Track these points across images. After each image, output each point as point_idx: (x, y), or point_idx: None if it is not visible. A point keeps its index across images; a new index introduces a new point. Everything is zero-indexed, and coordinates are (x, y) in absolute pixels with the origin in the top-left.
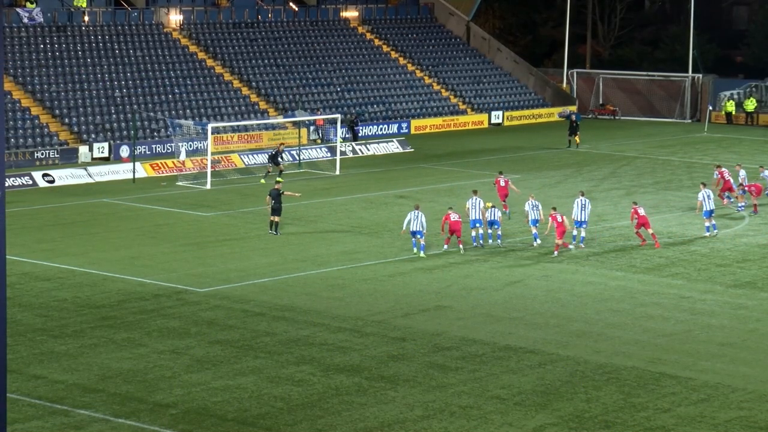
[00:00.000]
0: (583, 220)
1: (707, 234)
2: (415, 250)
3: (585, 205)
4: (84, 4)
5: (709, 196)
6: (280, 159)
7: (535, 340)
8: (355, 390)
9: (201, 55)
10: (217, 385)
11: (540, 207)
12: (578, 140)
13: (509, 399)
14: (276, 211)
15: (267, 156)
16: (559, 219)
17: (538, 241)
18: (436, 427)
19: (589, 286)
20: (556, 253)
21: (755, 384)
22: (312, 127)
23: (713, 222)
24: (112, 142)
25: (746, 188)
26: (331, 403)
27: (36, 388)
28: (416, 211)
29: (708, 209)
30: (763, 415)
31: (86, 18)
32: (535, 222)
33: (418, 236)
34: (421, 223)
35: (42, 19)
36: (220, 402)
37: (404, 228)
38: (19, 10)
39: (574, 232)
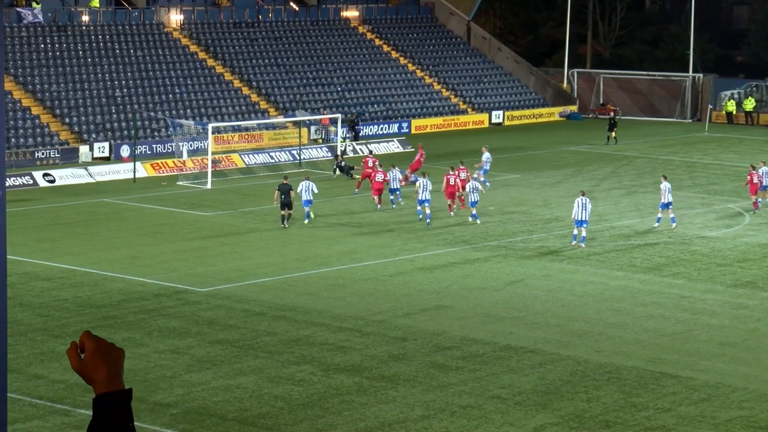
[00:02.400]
0: (583, 219)
1: (656, 225)
2: (307, 221)
3: (585, 204)
4: (97, 4)
5: (668, 189)
6: (341, 167)
7: (535, 339)
8: (355, 390)
9: (201, 55)
10: (218, 384)
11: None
12: (614, 136)
13: (510, 399)
14: (287, 205)
15: (336, 168)
16: (452, 181)
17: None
18: (436, 426)
19: (590, 285)
20: (451, 213)
21: (756, 383)
22: (315, 127)
23: (672, 215)
24: (112, 141)
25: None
26: (331, 402)
27: (37, 387)
28: (307, 182)
29: (665, 201)
30: (764, 414)
31: (87, 18)
32: (474, 204)
33: (308, 206)
34: (312, 191)
35: (42, 19)
36: (220, 402)
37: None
38: (20, 9)
39: (575, 231)
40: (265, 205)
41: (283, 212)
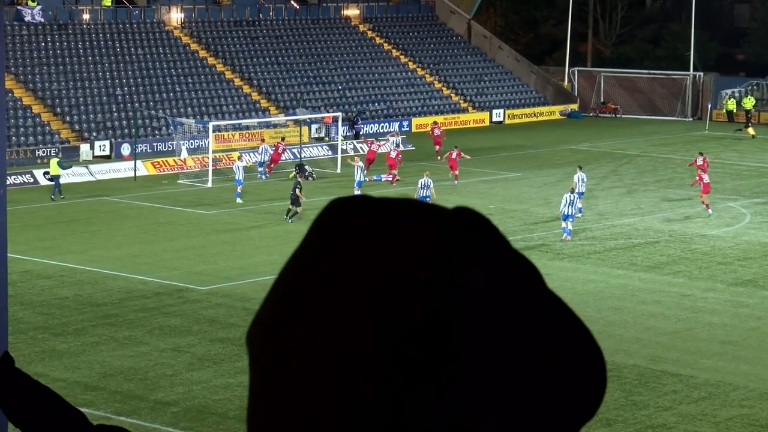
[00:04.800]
0: (569, 213)
1: (579, 215)
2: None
3: (573, 201)
4: (109, 3)
5: (583, 180)
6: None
7: None
8: None
9: (202, 54)
10: (219, 383)
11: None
12: (752, 132)
13: None
14: (294, 201)
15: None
16: (375, 148)
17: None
18: None
19: (591, 284)
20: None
21: (756, 382)
22: (317, 125)
23: (580, 205)
24: (113, 140)
25: None
26: None
27: None
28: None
29: (579, 191)
30: (765, 413)
31: (87, 16)
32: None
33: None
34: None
35: (43, 18)
36: (221, 400)
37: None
38: (20, 7)
39: (563, 225)
40: (265, 204)
41: (290, 207)
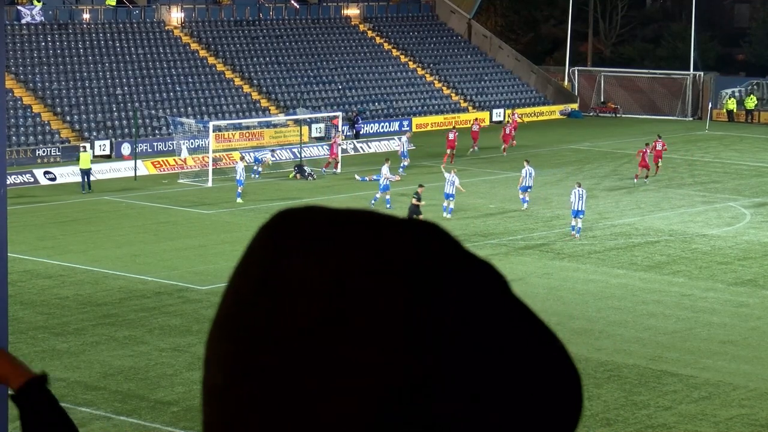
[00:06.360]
0: (580, 209)
1: (524, 207)
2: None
3: (582, 195)
4: (113, 3)
5: (530, 174)
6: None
7: None
8: None
9: (202, 53)
10: None
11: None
12: None
13: None
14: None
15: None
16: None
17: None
18: None
19: (591, 283)
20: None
21: (757, 382)
22: (320, 125)
23: (527, 198)
24: (113, 139)
25: None
26: None
27: None
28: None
29: (524, 185)
30: (765, 412)
31: (87, 16)
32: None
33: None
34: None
35: (43, 18)
36: None
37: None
38: (20, 7)
39: (572, 223)
40: (265, 204)
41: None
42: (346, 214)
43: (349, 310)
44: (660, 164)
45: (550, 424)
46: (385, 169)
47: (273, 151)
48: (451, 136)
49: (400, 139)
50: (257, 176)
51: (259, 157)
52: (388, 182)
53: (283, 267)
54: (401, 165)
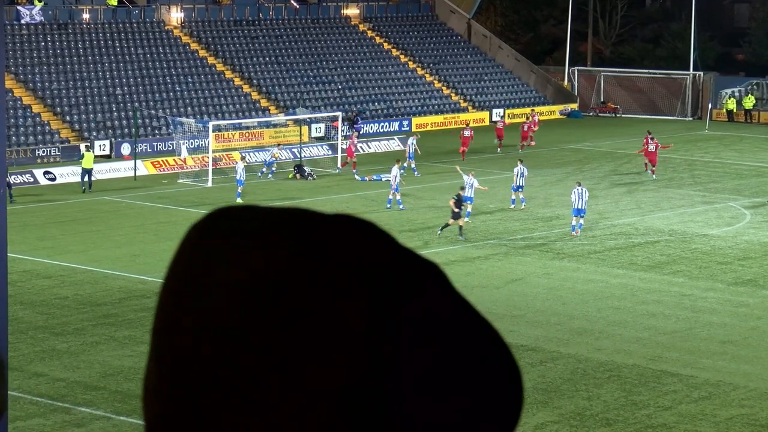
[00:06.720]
0: (581, 208)
1: (512, 206)
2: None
3: (582, 194)
4: (115, 3)
5: (522, 174)
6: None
7: (536, 337)
8: None
9: (202, 53)
10: None
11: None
12: None
13: None
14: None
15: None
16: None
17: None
18: None
19: (591, 283)
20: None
21: (756, 382)
22: (317, 125)
23: (522, 196)
24: (113, 139)
25: None
26: None
27: (37, 385)
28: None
29: (516, 184)
30: (765, 412)
31: (87, 16)
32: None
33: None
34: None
35: (43, 17)
36: None
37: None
38: (20, 7)
39: (573, 222)
40: (265, 204)
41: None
42: (281, 212)
43: (288, 310)
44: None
45: (495, 415)
46: (395, 170)
47: (278, 144)
48: (466, 133)
49: (408, 140)
50: (271, 176)
51: (270, 159)
52: (398, 183)
53: (212, 267)
54: (411, 166)
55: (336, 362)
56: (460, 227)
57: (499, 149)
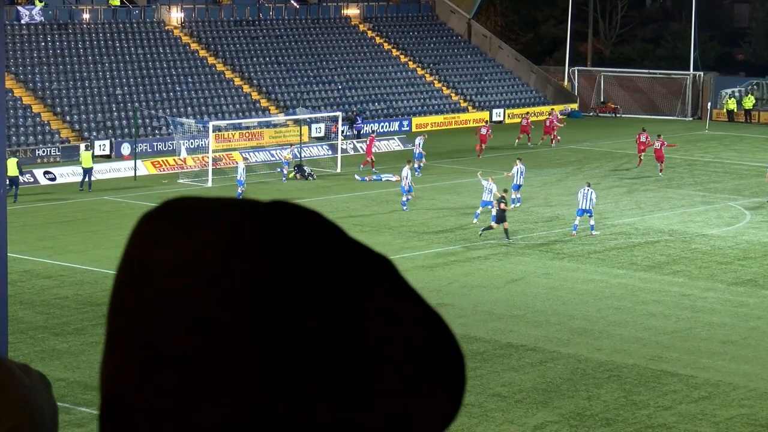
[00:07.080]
0: (586, 208)
1: (512, 206)
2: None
3: (588, 195)
4: (117, 3)
5: (521, 172)
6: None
7: (536, 337)
8: None
9: (202, 53)
10: None
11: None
12: None
13: (510, 397)
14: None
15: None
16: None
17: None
18: None
19: (591, 283)
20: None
21: (756, 381)
22: (317, 125)
23: (518, 195)
24: (113, 139)
25: None
26: None
27: None
28: None
29: (517, 183)
30: (765, 412)
31: (87, 16)
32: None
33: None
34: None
35: (43, 17)
36: None
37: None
38: (20, 7)
39: (576, 222)
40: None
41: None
42: (225, 201)
43: (221, 292)
44: (642, 157)
45: (432, 408)
46: (405, 171)
47: (291, 145)
48: (483, 131)
49: (415, 140)
50: (284, 179)
51: (289, 156)
52: (409, 184)
53: (157, 250)
54: (415, 166)
55: (258, 350)
56: (506, 230)
57: (479, 156)
